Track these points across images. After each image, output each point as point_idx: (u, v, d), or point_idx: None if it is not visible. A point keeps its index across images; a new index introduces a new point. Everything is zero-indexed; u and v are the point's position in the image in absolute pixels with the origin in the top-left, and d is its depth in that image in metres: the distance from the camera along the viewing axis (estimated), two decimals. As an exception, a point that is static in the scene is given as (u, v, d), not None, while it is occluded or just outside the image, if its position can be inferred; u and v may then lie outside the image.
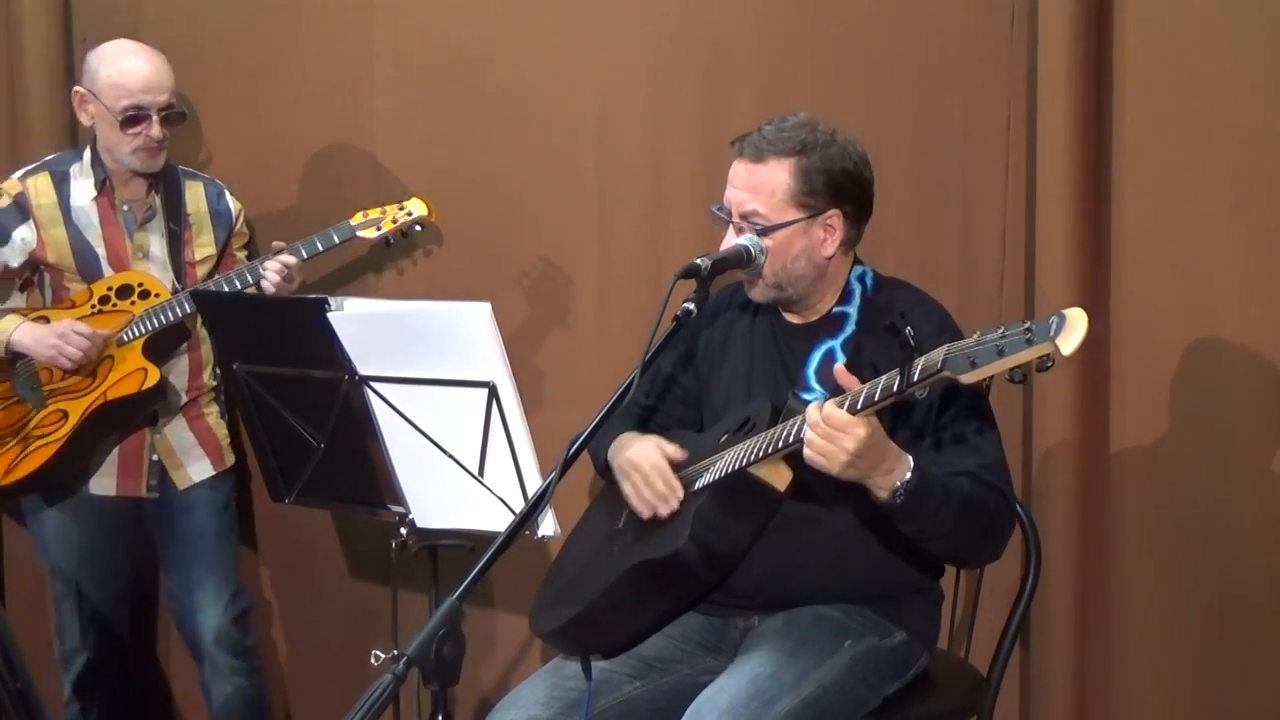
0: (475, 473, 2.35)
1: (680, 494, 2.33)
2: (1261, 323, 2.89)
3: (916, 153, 3.13)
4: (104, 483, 3.08)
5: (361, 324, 2.37)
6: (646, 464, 2.36)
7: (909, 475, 2.12)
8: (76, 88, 3.02)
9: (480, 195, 3.12)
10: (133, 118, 2.95)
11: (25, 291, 3.11)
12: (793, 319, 2.45)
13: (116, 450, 3.07)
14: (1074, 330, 1.85)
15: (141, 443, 3.09)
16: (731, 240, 2.34)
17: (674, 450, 2.38)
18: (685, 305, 2.19)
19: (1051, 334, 1.85)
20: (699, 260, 2.23)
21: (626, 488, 2.39)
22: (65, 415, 2.98)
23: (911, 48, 3.12)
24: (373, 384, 2.37)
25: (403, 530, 2.47)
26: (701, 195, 3.17)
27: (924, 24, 3.11)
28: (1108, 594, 3.06)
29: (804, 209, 2.33)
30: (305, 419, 2.48)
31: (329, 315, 2.35)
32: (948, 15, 3.10)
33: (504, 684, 3.34)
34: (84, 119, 3.03)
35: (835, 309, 2.40)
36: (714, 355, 2.54)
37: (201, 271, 3.09)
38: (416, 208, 3.14)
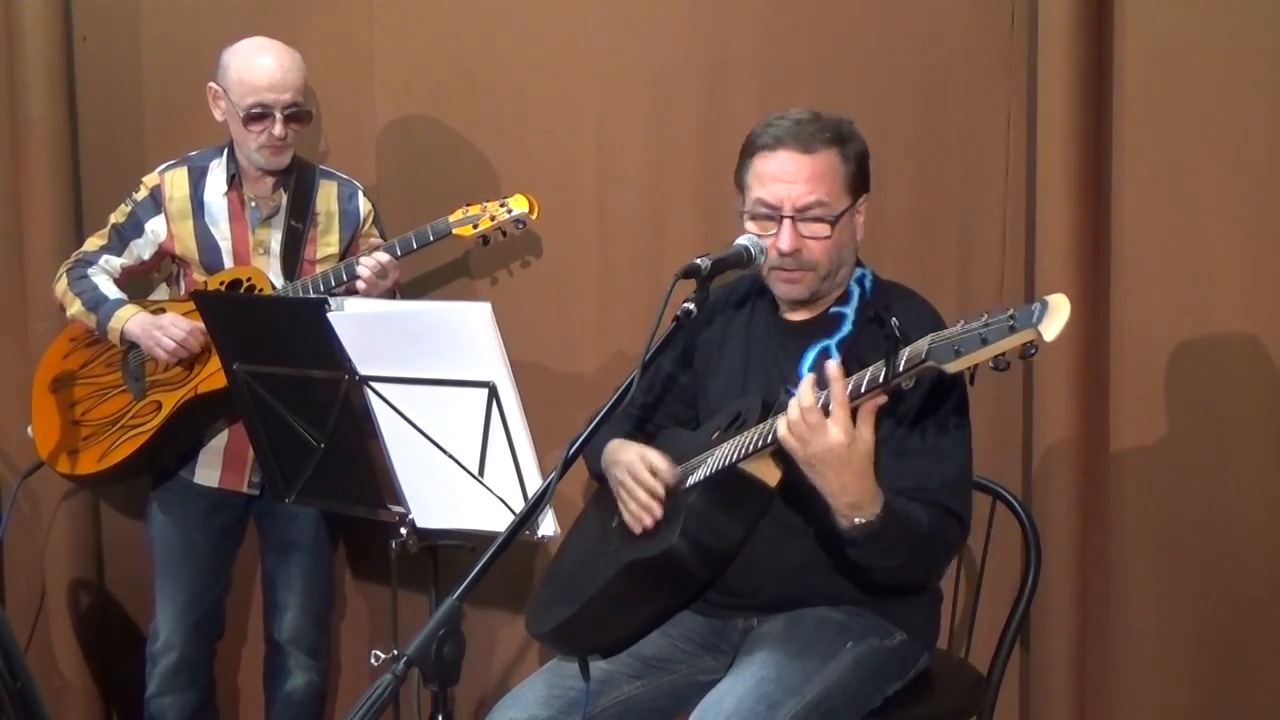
0: (475, 473, 2.34)
1: (659, 509, 2.29)
2: (1261, 322, 2.89)
3: (916, 153, 3.13)
4: (208, 474, 3.08)
5: (361, 324, 2.36)
6: (630, 478, 2.34)
7: (873, 519, 2.09)
8: (210, 84, 2.99)
9: (480, 195, 3.11)
10: (256, 115, 2.93)
11: (171, 285, 3.13)
12: (791, 316, 2.44)
13: (225, 444, 3.06)
14: (1056, 316, 1.84)
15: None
16: (785, 238, 2.28)
17: (658, 461, 2.33)
18: (685, 305, 2.17)
19: (1034, 320, 1.85)
20: (699, 260, 2.21)
21: (619, 500, 2.38)
22: (159, 407, 2.99)
23: (911, 48, 3.13)
24: (373, 384, 2.37)
25: (403, 530, 2.46)
26: (701, 195, 3.18)
27: (924, 24, 3.12)
28: (1108, 594, 3.06)
29: (853, 194, 2.34)
30: (305, 419, 2.47)
31: (329, 315, 2.35)
32: (948, 15, 3.11)
33: (504, 684, 3.34)
34: (217, 115, 3.01)
35: (833, 309, 2.40)
36: (711, 353, 2.53)
37: (320, 270, 3.04)
38: (517, 205, 3.04)
